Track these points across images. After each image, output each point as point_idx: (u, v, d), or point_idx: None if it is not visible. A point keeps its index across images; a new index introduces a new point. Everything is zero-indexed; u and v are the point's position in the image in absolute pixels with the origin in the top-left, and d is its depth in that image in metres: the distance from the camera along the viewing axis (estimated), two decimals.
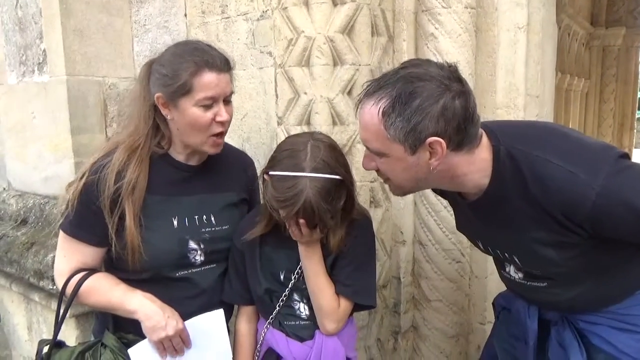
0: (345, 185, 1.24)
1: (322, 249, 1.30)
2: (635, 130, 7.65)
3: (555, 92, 2.83)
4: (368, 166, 1.20)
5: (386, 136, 1.08)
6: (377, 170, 1.20)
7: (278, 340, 1.36)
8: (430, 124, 1.04)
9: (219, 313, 1.36)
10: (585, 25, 6.14)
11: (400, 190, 1.25)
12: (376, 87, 1.10)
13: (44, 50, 1.95)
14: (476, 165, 1.14)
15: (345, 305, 1.33)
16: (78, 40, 1.90)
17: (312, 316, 1.34)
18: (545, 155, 1.08)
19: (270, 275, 1.35)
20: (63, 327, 1.92)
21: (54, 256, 1.78)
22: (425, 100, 1.03)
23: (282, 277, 1.35)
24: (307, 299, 1.34)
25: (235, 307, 1.49)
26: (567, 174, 1.05)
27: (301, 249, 1.29)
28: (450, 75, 1.07)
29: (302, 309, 1.35)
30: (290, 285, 1.33)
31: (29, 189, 2.24)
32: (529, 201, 1.10)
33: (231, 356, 1.40)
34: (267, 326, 1.39)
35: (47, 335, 1.90)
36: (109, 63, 2.00)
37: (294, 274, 1.33)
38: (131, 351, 1.29)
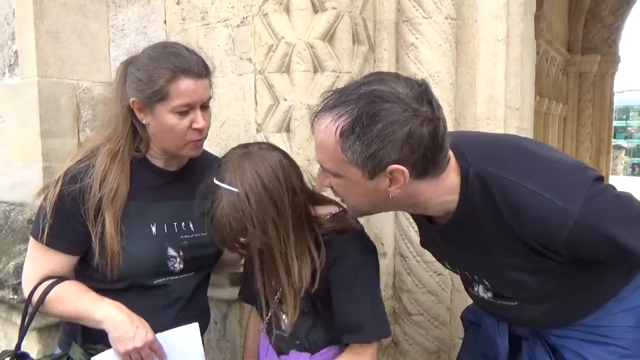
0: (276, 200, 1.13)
1: (278, 284, 1.22)
2: (611, 155, 7.84)
3: (535, 115, 2.88)
4: (322, 184, 1.12)
5: (343, 159, 0.99)
6: (332, 189, 1.12)
7: (264, 347, 1.34)
8: (392, 151, 0.95)
9: (194, 327, 1.30)
10: (562, 51, 6.33)
11: (357, 213, 1.17)
12: (336, 101, 0.99)
13: (16, 52, 1.90)
14: (442, 190, 1.06)
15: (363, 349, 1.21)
16: (52, 42, 1.85)
17: (289, 331, 1.28)
18: (518, 179, 1.01)
19: (267, 279, 1.29)
20: (24, 341, 1.82)
21: (16, 264, 1.70)
22: (389, 126, 0.94)
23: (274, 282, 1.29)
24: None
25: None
26: (543, 200, 0.98)
27: None
28: (420, 95, 0.97)
29: (284, 321, 1.30)
30: (278, 294, 1.27)
31: None
32: (502, 229, 1.03)
33: None
34: (261, 331, 1.36)
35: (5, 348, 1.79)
36: (83, 66, 1.95)
37: None
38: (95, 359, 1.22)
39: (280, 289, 1.24)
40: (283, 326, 1.30)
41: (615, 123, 8.20)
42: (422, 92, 0.98)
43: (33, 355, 1.72)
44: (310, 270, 1.19)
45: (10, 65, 1.93)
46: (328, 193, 1.23)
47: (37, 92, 1.85)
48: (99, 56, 2.01)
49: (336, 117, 0.97)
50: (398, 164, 0.97)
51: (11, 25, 1.91)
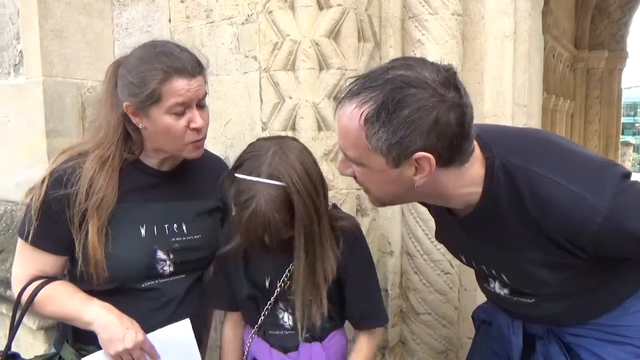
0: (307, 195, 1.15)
1: (314, 275, 1.22)
2: (619, 152, 7.77)
3: (542, 112, 2.85)
4: (344, 172, 1.10)
5: (367, 146, 0.96)
6: (355, 178, 1.10)
7: (262, 350, 1.30)
8: (418, 138, 0.92)
9: (186, 323, 1.28)
10: (569, 47, 6.27)
11: (379, 202, 1.16)
12: (361, 87, 0.96)
13: (21, 52, 1.90)
14: (466, 181, 1.03)
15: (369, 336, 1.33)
16: (56, 41, 1.85)
17: (296, 326, 1.27)
18: (545, 172, 0.98)
19: (254, 281, 1.29)
20: (31, 340, 1.83)
21: None
22: (416, 112, 0.91)
23: (267, 283, 1.28)
24: (292, 308, 1.27)
25: (213, 314, 1.44)
26: (571, 194, 0.95)
27: None
28: (447, 81, 0.94)
29: (287, 319, 1.29)
30: (275, 294, 1.26)
31: (0, 195, 2.15)
32: (526, 222, 1.01)
33: None
34: (252, 336, 1.33)
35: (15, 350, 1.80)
36: (88, 65, 1.95)
37: (279, 282, 1.26)
38: None
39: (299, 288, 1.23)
40: (285, 324, 1.29)
41: (623, 119, 8.11)
42: (449, 77, 0.95)
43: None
44: (335, 262, 1.23)
45: (15, 65, 1.94)
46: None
47: (42, 92, 1.85)
48: (103, 55, 2.01)
49: (361, 103, 0.95)
50: (424, 151, 0.94)
51: (16, 24, 1.92)
